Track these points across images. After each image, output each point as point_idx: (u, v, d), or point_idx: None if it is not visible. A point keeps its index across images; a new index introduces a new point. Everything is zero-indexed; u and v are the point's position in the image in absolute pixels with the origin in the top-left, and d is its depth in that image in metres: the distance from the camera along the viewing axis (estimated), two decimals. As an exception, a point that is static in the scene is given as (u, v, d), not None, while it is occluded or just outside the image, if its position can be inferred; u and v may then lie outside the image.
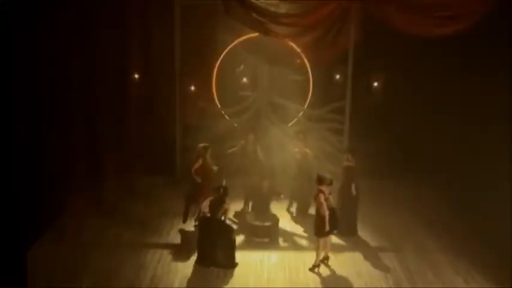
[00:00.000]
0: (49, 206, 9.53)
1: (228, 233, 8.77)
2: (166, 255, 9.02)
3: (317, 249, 8.67)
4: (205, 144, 9.84)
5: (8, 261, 7.84)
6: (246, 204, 10.48)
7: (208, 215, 8.67)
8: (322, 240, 8.64)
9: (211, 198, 8.80)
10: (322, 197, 8.41)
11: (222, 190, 8.79)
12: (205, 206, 8.82)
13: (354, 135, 11.86)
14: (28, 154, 8.99)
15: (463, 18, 9.66)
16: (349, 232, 9.66)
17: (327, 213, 8.37)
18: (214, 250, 8.60)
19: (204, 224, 8.75)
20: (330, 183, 8.57)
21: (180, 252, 9.09)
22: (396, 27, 9.94)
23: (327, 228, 8.42)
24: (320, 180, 8.53)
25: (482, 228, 9.65)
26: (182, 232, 9.77)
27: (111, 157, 11.15)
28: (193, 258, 8.86)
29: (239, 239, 9.64)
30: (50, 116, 9.82)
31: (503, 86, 9.81)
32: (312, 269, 8.63)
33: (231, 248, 8.74)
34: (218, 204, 8.67)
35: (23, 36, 8.78)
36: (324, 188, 8.49)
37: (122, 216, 10.32)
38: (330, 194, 8.56)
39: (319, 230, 8.55)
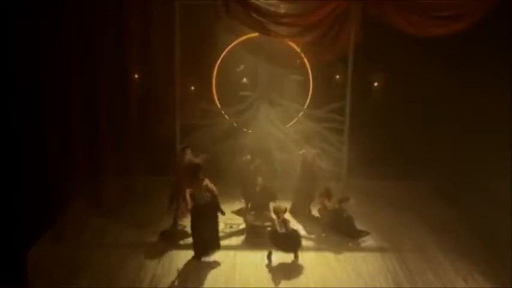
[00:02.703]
0: (49, 206, 9.53)
1: (215, 211, 8.87)
2: (166, 255, 9.03)
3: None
4: (184, 145, 10.14)
5: (8, 261, 7.84)
6: (246, 204, 10.52)
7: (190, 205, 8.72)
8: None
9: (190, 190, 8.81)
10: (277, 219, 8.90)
11: (194, 167, 8.91)
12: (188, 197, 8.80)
13: (354, 135, 11.86)
14: (28, 154, 8.98)
15: (463, 18, 9.67)
16: (354, 235, 9.78)
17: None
18: (212, 233, 8.82)
19: (196, 212, 8.74)
20: (285, 212, 9.01)
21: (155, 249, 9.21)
22: (396, 27, 9.95)
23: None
24: (276, 212, 8.95)
25: (482, 228, 9.65)
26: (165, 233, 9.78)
27: (111, 157, 11.15)
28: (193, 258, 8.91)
29: (239, 239, 9.68)
30: (50, 116, 9.82)
31: (503, 86, 9.81)
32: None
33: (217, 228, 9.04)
34: (196, 185, 8.69)
35: (23, 36, 8.78)
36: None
37: (122, 217, 10.33)
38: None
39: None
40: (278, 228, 8.78)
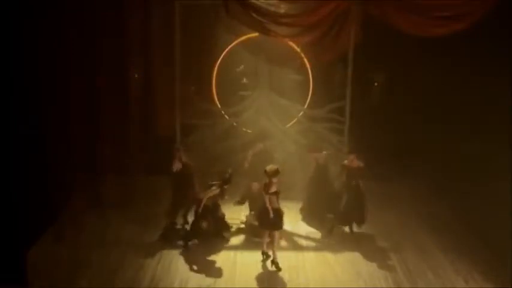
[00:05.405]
0: (49, 206, 9.53)
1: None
2: (166, 255, 9.03)
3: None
4: (178, 145, 10.19)
5: (8, 261, 7.84)
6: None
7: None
8: (266, 233, 8.80)
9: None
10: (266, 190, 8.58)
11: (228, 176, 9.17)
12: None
13: (353, 135, 11.86)
14: (28, 154, 8.98)
15: (463, 18, 9.66)
16: (359, 221, 9.85)
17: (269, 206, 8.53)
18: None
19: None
20: (277, 173, 8.53)
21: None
22: (396, 27, 9.95)
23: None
24: (270, 175, 8.54)
25: (482, 228, 9.65)
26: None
27: (111, 157, 11.15)
28: (194, 259, 8.91)
29: (239, 239, 9.68)
30: (50, 116, 9.83)
31: (503, 86, 9.82)
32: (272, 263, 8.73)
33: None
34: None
35: (23, 36, 8.78)
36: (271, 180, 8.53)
37: (122, 216, 10.33)
38: (275, 193, 8.54)
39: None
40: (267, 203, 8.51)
